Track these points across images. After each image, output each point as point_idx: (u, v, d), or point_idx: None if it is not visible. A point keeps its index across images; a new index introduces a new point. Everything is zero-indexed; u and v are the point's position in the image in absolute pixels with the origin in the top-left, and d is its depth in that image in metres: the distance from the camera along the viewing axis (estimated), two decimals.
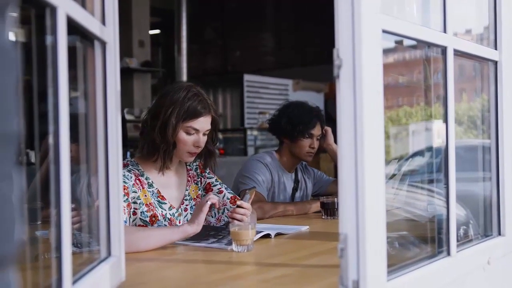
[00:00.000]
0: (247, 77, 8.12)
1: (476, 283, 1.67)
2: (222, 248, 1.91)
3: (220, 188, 2.39)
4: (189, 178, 2.38)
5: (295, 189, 3.14)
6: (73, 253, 1.06)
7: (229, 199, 2.36)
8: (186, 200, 2.33)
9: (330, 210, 2.66)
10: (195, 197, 2.36)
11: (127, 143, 5.08)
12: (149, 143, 2.21)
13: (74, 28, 1.12)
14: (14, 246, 0.58)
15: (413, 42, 1.56)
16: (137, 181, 2.18)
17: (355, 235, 1.17)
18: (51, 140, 0.99)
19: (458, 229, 1.63)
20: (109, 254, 1.37)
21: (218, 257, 1.82)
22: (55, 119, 0.99)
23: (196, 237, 2.02)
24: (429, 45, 1.56)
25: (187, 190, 2.35)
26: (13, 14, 0.61)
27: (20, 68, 0.59)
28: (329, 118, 4.23)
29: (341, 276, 1.18)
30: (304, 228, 2.36)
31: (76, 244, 1.30)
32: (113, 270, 1.35)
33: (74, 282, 1.09)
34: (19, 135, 0.59)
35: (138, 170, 2.22)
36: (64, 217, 1.01)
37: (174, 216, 2.25)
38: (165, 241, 1.95)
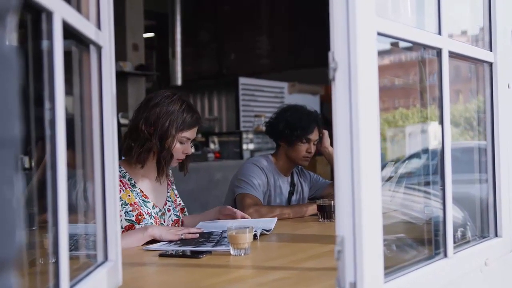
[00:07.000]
0: (242, 80, 8.11)
1: (473, 284, 1.67)
2: (225, 250, 1.90)
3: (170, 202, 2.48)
4: (169, 182, 2.49)
5: (291, 193, 3.13)
6: (70, 258, 1.06)
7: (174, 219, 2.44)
8: (168, 201, 2.43)
9: (326, 213, 2.65)
10: (174, 200, 2.48)
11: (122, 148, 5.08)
12: (144, 151, 2.25)
13: (69, 32, 1.11)
14: (15, 250, 0.58)
15: (408, 44, 1.56)
16: (119, 182, 2.21)
17: (352, 237, 1.17)
18: (47, 145, 0.99)
19: (455, 231, 1.63)
20: (106, 258, 1.37)
21: (216, 261, 1.81)
22: (51, 123, 0.99)
23: (194, 243, 2.01)
24: (424, 47, 1.57)
25: (168, 192, 2.46)
26: (13, 19, 0.61)
27: (19, 73, 0.59)
28: (325, 120, 4.23)
29: (338, 278, 1.18)
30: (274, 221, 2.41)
31: (71, 248, 1.29)
32: (110, 274, 1.35)
33: (71, 287, 1.08)
34: (19, 140, 0.59)
35: (120, 172, 2.26)
36: (61, 222, 1.01)
37: (158, 215, 2.33)
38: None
